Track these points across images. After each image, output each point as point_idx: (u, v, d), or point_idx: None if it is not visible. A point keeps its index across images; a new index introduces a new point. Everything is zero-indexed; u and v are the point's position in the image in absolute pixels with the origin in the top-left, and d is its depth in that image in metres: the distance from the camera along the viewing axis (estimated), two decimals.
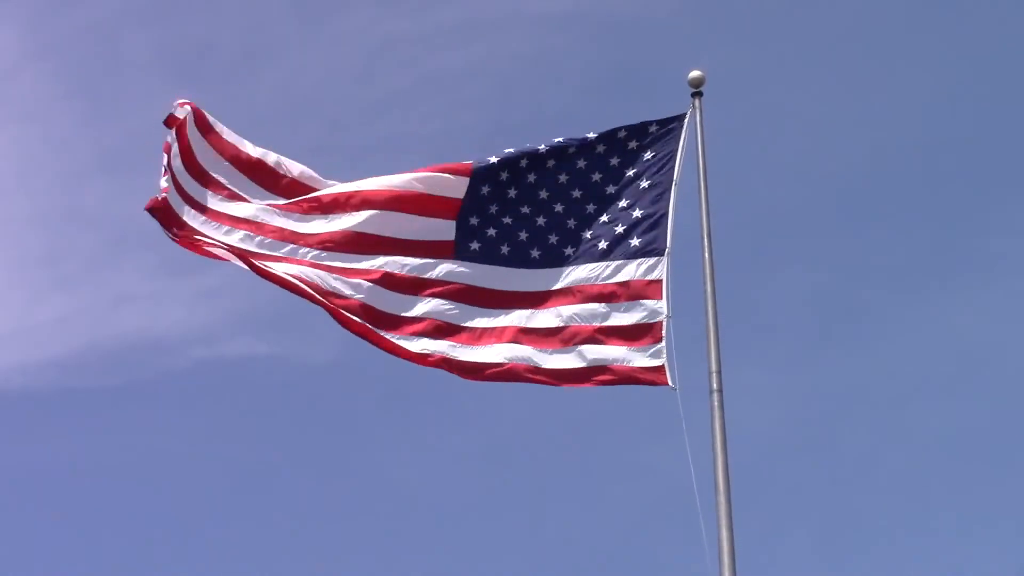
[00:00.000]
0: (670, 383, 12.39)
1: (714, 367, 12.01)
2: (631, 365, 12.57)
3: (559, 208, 13.50)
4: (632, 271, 13.01)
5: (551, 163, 13.56)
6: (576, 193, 13.52)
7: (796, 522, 25.49)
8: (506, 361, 12.90)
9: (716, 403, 11.86)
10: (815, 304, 28.66)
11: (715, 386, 11.93)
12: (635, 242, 13.14)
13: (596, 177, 13.53)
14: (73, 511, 27.75)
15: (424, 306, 13.14)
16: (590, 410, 24.28)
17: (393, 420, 27.17)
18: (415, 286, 13.23)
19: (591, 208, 13.45)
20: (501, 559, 26.13)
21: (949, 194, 29.85)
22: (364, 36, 31.27)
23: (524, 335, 12.99)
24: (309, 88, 31.11)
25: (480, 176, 13.52)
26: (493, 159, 13.56)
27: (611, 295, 12.96)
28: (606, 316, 12.89)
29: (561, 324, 12.94)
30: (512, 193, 13.55)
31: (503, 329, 13.06)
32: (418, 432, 26.53)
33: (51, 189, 30.14)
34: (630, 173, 13.47)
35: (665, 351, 12.50)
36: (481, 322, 13.11)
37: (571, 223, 13.43)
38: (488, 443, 25.91)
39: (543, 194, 13.53)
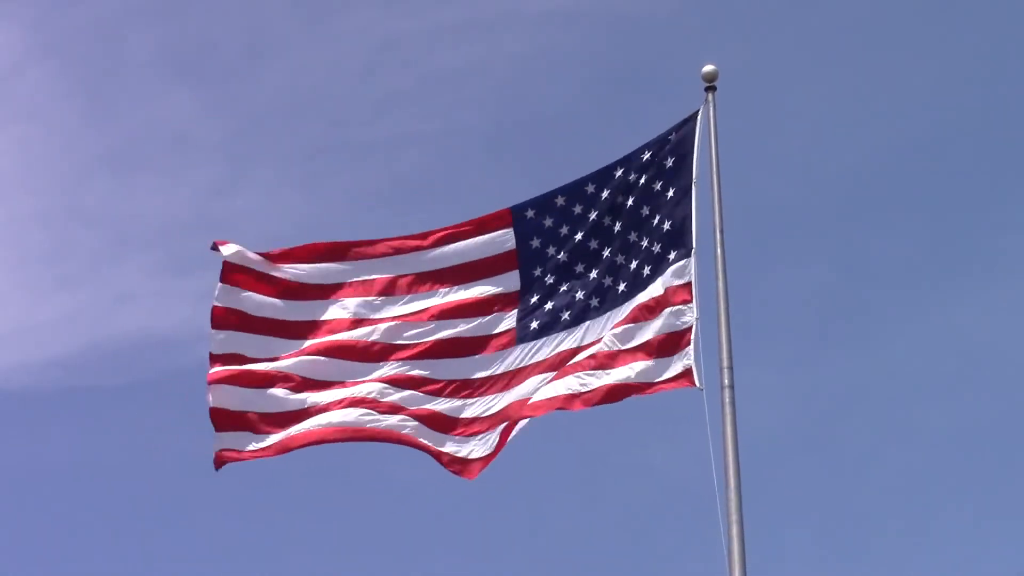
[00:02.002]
0: (697, 384, 12.32)
1: (726, 362, 11.94)
2: (659, 380, 12.49)
3: (607, 252, 13.37)
4: (664, 283, 12.91)
5: (578, 209, 13.48)
6: (617, 227, 13.42)
7: (801, 520, 25.49)
8: (546, 398, 12.86)
9: (728, 399, 11.79)
10: (820, 302, 28.66)
11: (727, 381, 11.86)
12: (670, 256, 13.00)
13: (630, 202, 13.43)
14: (76, 510, 27.74)
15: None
16: (600, 410, 24.21)
17: None
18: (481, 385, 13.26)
19: (632, 237, 13.34)
20: (506, 559, 26.11)
21: (954, 192, 29.86)
22: (365, 35, 31.23)
23: (567, 368, 12.99)
24: (310, 87, 31.11)
25: (522, 232, 13.51)
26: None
27: (647, 312, 12.88)
28: (640, 335, 12.82)
29: (596, 351, 12.89)
30: (563, 257, 13.44)
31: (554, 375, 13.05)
32: None
33: (53, 188, 30.14)
34: (658, 187, 13.34)
35: (692, 352, 12.43)
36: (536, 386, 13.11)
37: (620, 259, 13.32)
38: None
39: (593, 244, 13.42)
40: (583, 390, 12.69)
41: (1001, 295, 28.40)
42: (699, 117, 13.30)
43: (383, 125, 30.34)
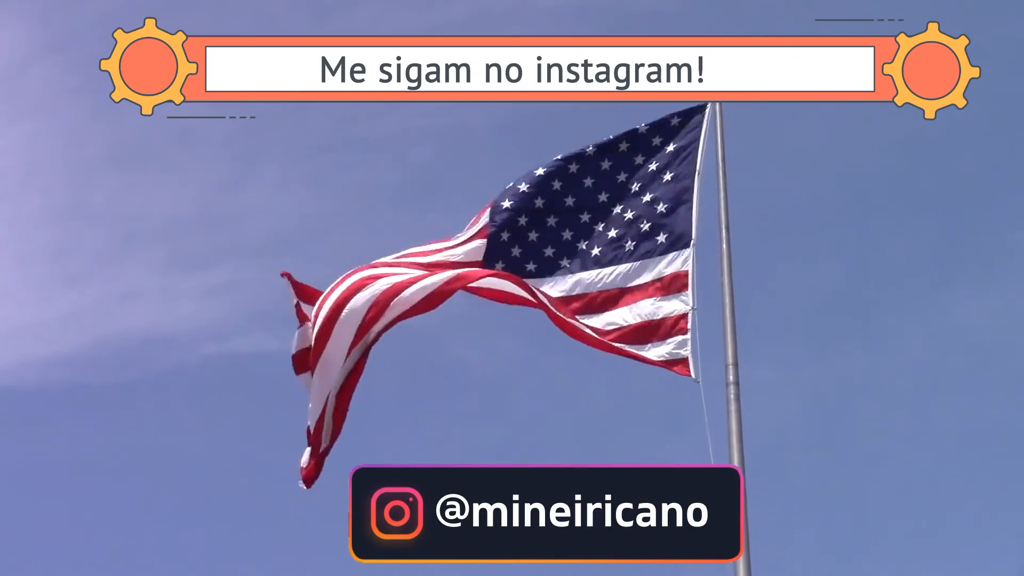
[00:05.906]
0: (692, 375, 12.31)
1: (731, 359, 11.95)
2: (653, 356, 12.50)
3: (586, 218, 13.38)
4: (658, 268, 12.91)
5: (574, 167, 13.44)
6: (603, 197, 13.41)
7: (807, 518, 25.40)
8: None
9: (732, 395, 11.79)
10: (827, 299, 28.59)
11: (731, 378, 11.86)
12: (661, 238, 13.05)
13: (622, 178, 13.44)
14: (83, 508, 27.72)
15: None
16: (600, 406, 24.18)
17: (402, 417, 27.11)
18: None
19: (617, 209, 13.33)
20: None
21: (964, 189, 29.76)
22: (372, 30, 31.13)
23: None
24: None
25: (499, 205, 13.43)
26: (507, 203, 13.44)
27: (638, 295, 12.85)
28: (633, 318, 12.77)
29: (584, 329, 12.80)
30: (539, 203, 13.41)
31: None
32: (427, 429, 26.46)
33: (59, 185, 30.12)
34: (653, 168, 13.38)
35: (689, 344, 12.44)
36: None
37: (598, 227, 13.32)
38: (497, 440, 25.83)
39: (569, 201, 13.41)
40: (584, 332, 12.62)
41: (1010, 293, 28.33)
42: (707, 110, 13.33)
43: (387, 121, 30.27)
